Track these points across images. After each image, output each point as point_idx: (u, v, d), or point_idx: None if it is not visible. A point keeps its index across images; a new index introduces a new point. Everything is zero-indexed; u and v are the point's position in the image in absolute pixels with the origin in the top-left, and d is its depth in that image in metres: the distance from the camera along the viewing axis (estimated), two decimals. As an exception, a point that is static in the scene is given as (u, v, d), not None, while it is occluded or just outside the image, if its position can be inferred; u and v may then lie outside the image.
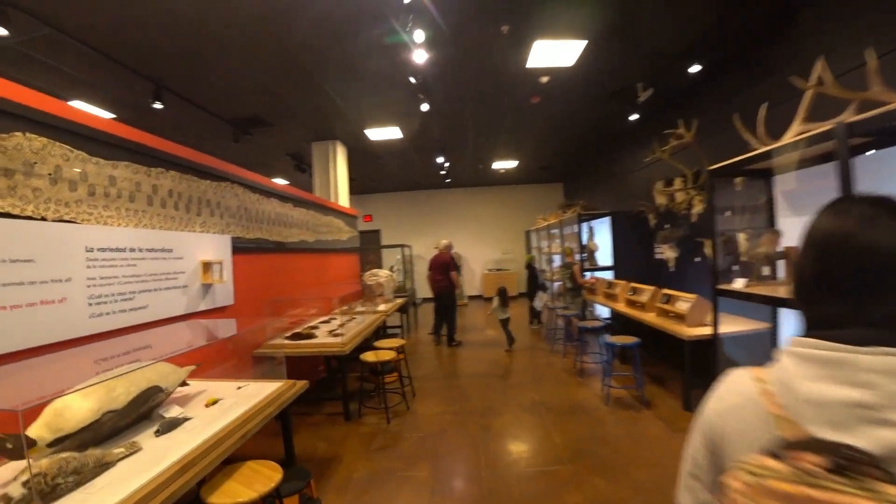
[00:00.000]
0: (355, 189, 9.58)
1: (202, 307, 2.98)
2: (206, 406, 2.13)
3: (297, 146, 7.26)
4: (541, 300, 7.55)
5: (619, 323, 5.16)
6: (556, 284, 7.37)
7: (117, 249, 2.29)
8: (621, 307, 4.89)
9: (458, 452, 3.20)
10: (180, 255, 2.78)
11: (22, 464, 1.49)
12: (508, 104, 5.84)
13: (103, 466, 1.54)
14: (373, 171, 9.61)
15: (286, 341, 3.77)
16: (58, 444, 1.57)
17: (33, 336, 1.84)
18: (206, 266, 3.01)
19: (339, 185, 7.22)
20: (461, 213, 12.55)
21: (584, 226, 6.79)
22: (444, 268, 6.56)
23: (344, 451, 3.30)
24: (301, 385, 2.54)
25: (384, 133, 6.79)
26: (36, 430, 1.53)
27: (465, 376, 5.12)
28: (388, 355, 3.87)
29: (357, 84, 4.85)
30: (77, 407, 1.63)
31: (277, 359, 2.91)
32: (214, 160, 3.24)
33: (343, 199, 7.29)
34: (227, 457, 1.82)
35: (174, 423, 1.90)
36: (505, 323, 6.08)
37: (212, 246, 3.13)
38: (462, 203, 12.56)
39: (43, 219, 1.91)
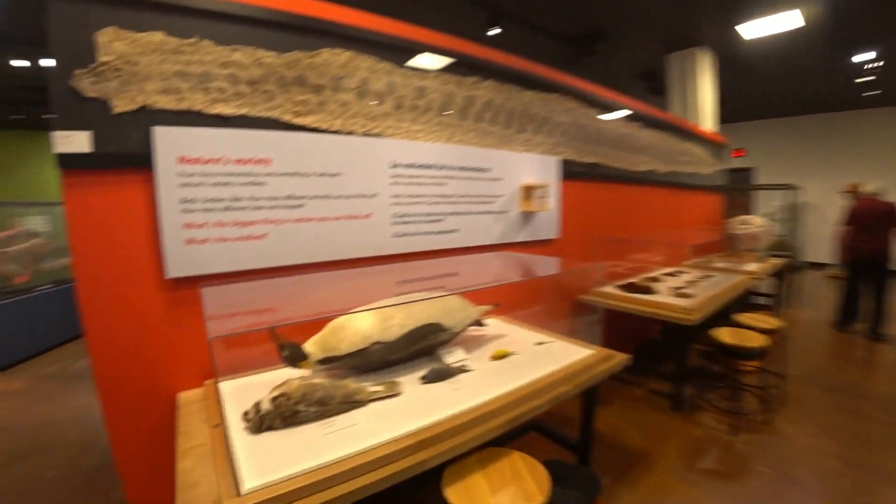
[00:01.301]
0: (723, 117, 7.14)
1: (520, 238, 2.58)
2: (492, 359, 1.68)
3: (648, 62, 5.85)
4: None
5: None
6: None
7: (425, 166, 2.10)
8: None
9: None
10: (497, 176, 2.43)
11: (293, 373, 1.45)
12: None
13: (351, 404, 1.31)
14: (747, 90, 6.86)
15: (616, 291, 2.96)
16: (326, 363, 1.45)
17: (337, 249, 1.84)
18: (528, 191, 2.56)
19: (703, 105, 5.41)
20: (890, 143, 7.49)
21: None
22: (879, 221, 3.97)
23: (658, 453, 2.30)
24: (619, 360, 1.73)
25: (770, 24, 4.43)
26: (311, 345, 1.45)
27: (879, 398, 2.88)
28: (754, 339, 2.45)
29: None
30: (351, 330, 1.47)
31: (598, 311, 2.16)
32: (541, 68, 2.68)
33: (707, 123, 5.42)
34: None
35: (445, 373, 1.52)
36: None
37: (536, 168, 2.64)
38: (892, 128, 7.50)
39: (350, 133, 1.86)
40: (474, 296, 1.90)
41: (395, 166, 1.99)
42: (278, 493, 0.97)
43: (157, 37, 1.44)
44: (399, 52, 1.99)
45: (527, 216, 2.62)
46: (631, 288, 2.96)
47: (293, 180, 1.71)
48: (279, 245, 1.69)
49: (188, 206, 1.51)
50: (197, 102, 1.51)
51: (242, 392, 1.43)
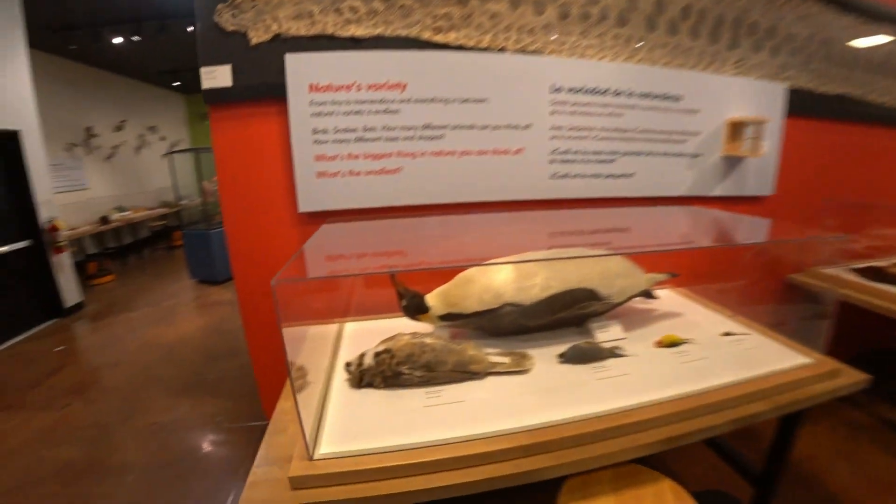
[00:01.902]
0: None
1: (717, 191, 1.89)
2: (658, 345, 1.22)
3: None
4: None
5: None
6: None
7: (595, 91, 1.63)
8: None
9: None
10: (693, 107, 1.78)
11: (412, 325, 1.25)
12: None
13: (464, 374, 1.06)
14: None
15: (849, 275, 1.98)
16: (449, 319, 1.22)
17: (479, 190, 1.56)
18: (735, 129, 1.83)
19: None
20: None
21: None
22: None
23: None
24: (852, 381, 1.09)
25: None
26: (434, 297, 1.24)
27: None
28: None
29: None
30: (481, 285, 1.20)
31: (826, 300, 1.39)
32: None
33: None
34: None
35: (591, 354, 1.14)
36: None
37: (749, 98, 1.87)
38: None
39: (501, 50, 1.51)
40: (646, 260, 1.41)
41: (556, 91, 1.58)
42: (349, 468, 0.80)
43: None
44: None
45: (730, 163, 1.89)
46: (873, 274, 1.93)
47: (431, 107, 1.48)
48: (414, 181, 1.51)
49: (320, 136, 1.42)
50: (329, 25, 1.39)
51: (365, 335, 1.33)
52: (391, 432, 0.88)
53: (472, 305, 1.19)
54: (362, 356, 1.07)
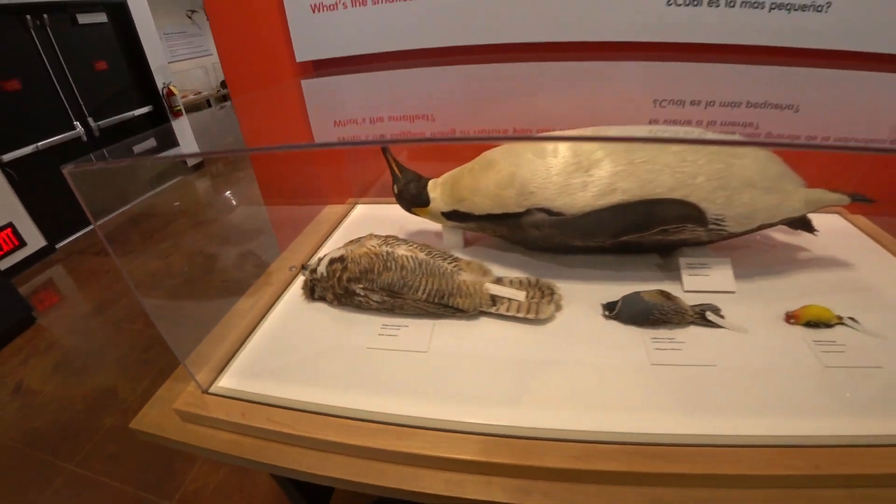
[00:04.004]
0: None
1: None
2: (790, 320, 0.68)
3: None
4: None
5: None
6: None
7: None
8: None
9: None
10: None
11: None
12: None
13: (442, 308, 0.72)
14: None
15: None
16: (455, 219, 0.86)
17: (542, 22, 0.99)
18: None
19: None
20: None
21: None
22: None
23: None
24: None
25: None
26: (438, 185, 0.86)
27: None
28: None
29: None
30: (504, 173, 0.78)
31: None
32: None
33: None
34: None
35: (655, 313, 0.68)
36: None
37: None
38: None
39: None
40: (818, 164, 0.79)
41: None
42: (235, 418, 0.58)
43: None
44: None
45: None
46: None
47: None
48: (439, 9, 1.02)
49: (311, -54, 0.99)
50: None
51: (371, 223, 1.07)
52: (309, 377, 0.63)
53: (484, 204, 0.80)
54: (320, 260, 0.79)
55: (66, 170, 0.49)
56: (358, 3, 1.03)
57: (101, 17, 3.44)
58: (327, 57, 1.11)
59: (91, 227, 3.23)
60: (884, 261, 0.85)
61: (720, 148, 0.76)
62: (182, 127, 3.74)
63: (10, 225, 2.83)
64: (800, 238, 0.89)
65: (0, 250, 2.77)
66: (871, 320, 0.66)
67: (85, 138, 3.39)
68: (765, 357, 0.62)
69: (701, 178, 0.71)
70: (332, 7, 1.04)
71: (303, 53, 1.11)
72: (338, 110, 1.02)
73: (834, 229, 0.96)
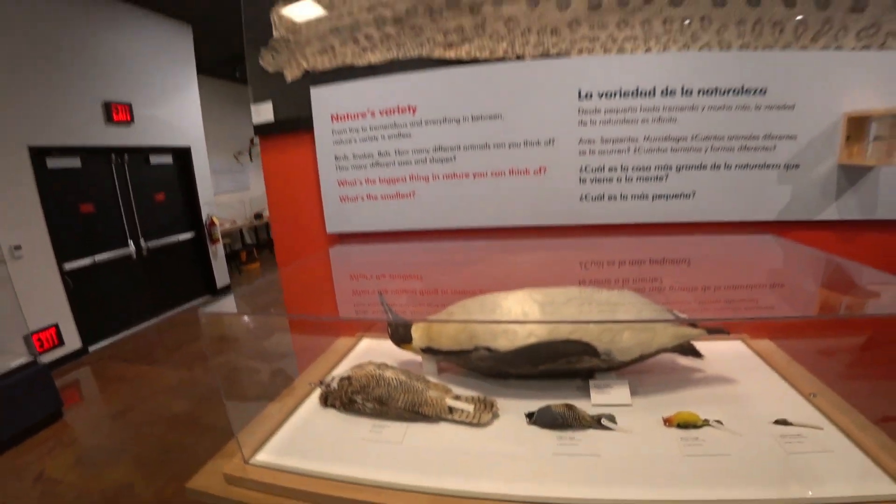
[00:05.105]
0: None
1: (828, 214, 1.45)
2: (666, 423, 0.99)
3: None
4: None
5: None
6: None
7: (637, 93, 1.40)
8: None
9: None
10: (784, 102, 1.39)
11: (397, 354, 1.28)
12: None
13: (414, 415, 1.05)
14: None
15: None
16: (430, 353, 1.23)
17: (496, 213, 1.49)
18: (858, 126, 1.37)
19: None
20: None
21: None
22: None
23: None
24: None
25: None
26: (418, 328, 1.24)
27: None
28: None
29: None
30: (464, 325, 1.17)
31: None
32: None
33: None
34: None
35: (561, 420, 1.00)
36: None
37: (883, 81, 1.38)
38: None
39: (519, 58, 1.41)
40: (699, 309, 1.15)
41: (585, 97, 1.41)
42: (270, 480, 0.89)
43: (313, -6, 1.44)
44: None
45: (850, 175, 1.41)
46: None
47: (441, 128, 1.47)
48: (427, 205, 1.53)
49: (341, 162, 1.53)
50: (348, 56, 1.47)
51: (371, 354, 1.41)
52: (322, 456, 0.94)
53: (445, 343, 1.17)
54: (333, 377, 1.15)
55: (203, 316, 0.88)
56: (371, 199, 1.54)
57: (168, 159, 4.28)
58: (348, 231, 1.59)
59: (123, 334, 3.60)
60: (764, 377, 1.14)
61: (608, 300, 1.13)
62: (219, 253, 4.34)
63: (56, 325, 3.17)
64: (698, 361, 1.17)
65: (42, 347, 3.05)
66: (737, 422, 0.93)
67: (134, 256, 3.97)
68: (640, 449, 0.90)
69: (592, 325, 1.08)
70: (354, 199, 1.55)
71: (332, 227, 1.59)
72: (354, 268, 1.46)
73: (734, 352, 1.27)
